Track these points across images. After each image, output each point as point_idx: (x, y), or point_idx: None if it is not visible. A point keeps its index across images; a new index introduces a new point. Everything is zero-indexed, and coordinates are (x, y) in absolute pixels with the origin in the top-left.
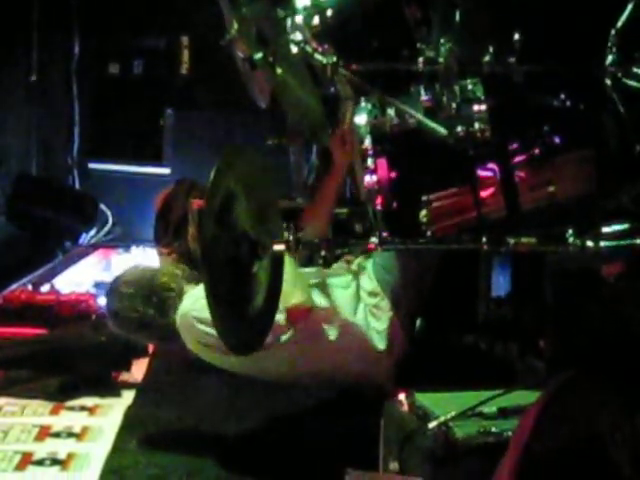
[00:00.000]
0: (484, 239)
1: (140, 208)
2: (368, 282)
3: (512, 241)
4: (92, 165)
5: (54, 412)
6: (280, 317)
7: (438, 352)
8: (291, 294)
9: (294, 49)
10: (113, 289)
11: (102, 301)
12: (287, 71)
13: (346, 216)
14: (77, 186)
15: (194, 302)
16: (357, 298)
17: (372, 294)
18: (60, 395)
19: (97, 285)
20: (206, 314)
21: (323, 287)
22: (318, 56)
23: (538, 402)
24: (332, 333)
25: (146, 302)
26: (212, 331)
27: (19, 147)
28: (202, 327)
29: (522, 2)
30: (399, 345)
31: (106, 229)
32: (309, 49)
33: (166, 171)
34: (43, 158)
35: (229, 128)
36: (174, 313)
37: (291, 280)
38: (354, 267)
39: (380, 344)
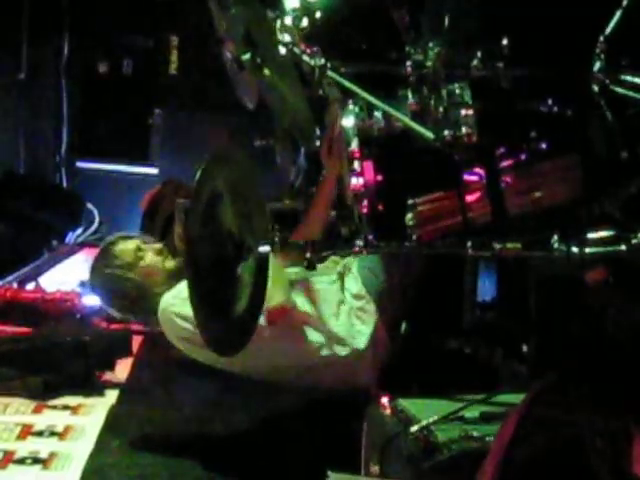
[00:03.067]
0: (469, 244)
1: (127, 207)
2: (354, 284)
3: (498, 246)
4: (80, 164)
5: (36, 411)
6: (260, 318)
7: (422, 356)
8: (271, 295)
9: (282, 51)
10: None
11: (87, 300)
12: (275, 72)
13: (333, 219)
14: (64, 185)
15: (175, 296)
16: (340, 299)
17: (357, 297)
18: (43, 394)
19: (83, 284)
20: (186, 309)
21: (307, 288)
22: (306, 58)
23: (518, 408)
24: (315, 337)
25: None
26: (191, 326)
27: (7, 145)
28: (181, 322)
29: (510, 7)
30: (383, 348)
31: (93, 228)
32: (297, 51)
33: (154, 171)
34: (31, 156)
35: (217, 129)
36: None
37: (271, 280)
38: (339, 268)
39: (361, 344)
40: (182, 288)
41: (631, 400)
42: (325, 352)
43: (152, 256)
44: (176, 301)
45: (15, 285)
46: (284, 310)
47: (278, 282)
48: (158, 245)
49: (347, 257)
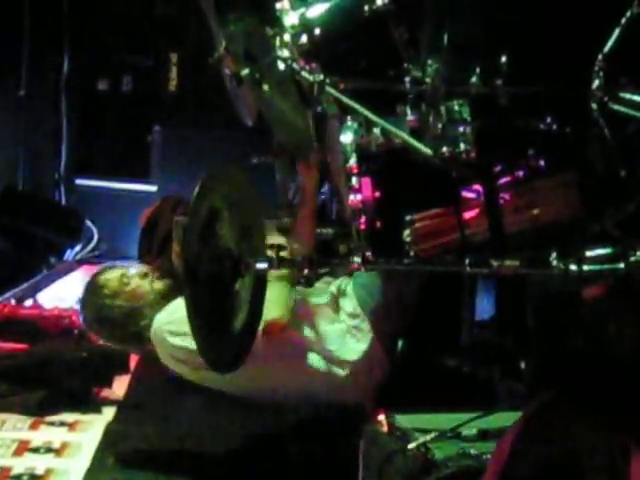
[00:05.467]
0: (467, 261)
1: (126, 225)
2: (348, 303)
3: (495, 263)
4: (78, 181)
5: (33, 427)
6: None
7: (420, 374)
8: (269, 309)
9: (281, 66)
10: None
11: None
12: (274, 88)
13: (330, 237)
14: (63, 202)
15: (168, 316)
16: (335, 318)
17: (352, 315)
18: (40, 410)
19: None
20: (179, 328)
21: (303, 307)
22: (305, 74)
23: (516, 425)
24: (313, 359)
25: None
26: (184, 344)
27: (6, 161)
28: (174, 341)
29: (510, 26)
30: (380, 366)
31: (91, 245)
32: (296, 67)
33: (153, 188)
34: (30, 173)
35: (216, 146)
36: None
37: (272, 296)
38: (333, 288)
39: (356, 362)
40: (174, 308)
41: (630, 417)
42: (322, 373)
43: (138, 280)
44: (169, 319)
45: (13, 302)
46: (280, 325)
47: (278, 298)
48: (143, 269)
49: (340, 278)
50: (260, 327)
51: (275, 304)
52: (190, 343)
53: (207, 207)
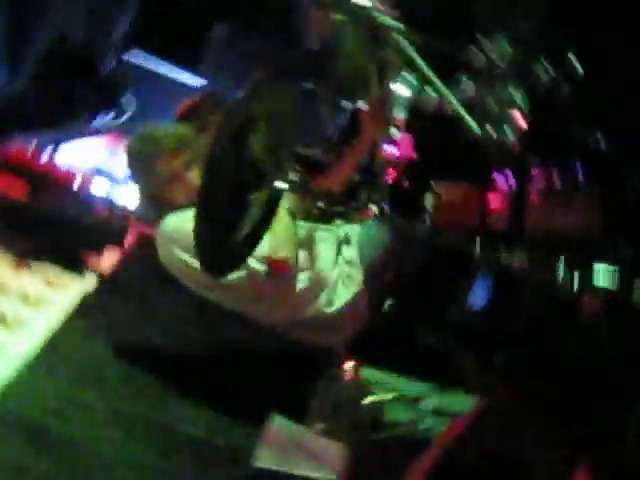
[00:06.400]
0: (478, 244)
1: (161, 110)
2: (350, 251)
3: (505, 254)
4: (130, 53)
5: (16, 269)
6: (261, 268)
7: (397, 340)
8: (278, 247)
9: (361, 1)
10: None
11: (95, 188)
12: (347, 20)
13: (355, 183)
14: (110, 68)
15: (178, 223)
16: (334, 262)
17: (349, 263)
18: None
19: (97, 171)
20: (185, 241)
21: (309, 242)
22: (383, 17)
23: (472, 412)
24: (302, 279)
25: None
26: (187, 258)
27: (67, 17)
28: (179, 253)
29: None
30: (360, 317)
31: (124, 118)
32: (375, 6)
33: (200, 82)
34: (86, 33)
35: (274, 58)
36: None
37: (282, 235)
38: (340, 232)
39: (337, 306)
40: (187, 217)
41: (585, 432)
42: (306, 300)
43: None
44: (176, 228)
45: (32, 149)
46: (287, 265)
47: (288, 238)
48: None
49: (351, 224)
50: (265, 268)
51: (284, 243)
52: (191, 259)
53: (247, 113)
